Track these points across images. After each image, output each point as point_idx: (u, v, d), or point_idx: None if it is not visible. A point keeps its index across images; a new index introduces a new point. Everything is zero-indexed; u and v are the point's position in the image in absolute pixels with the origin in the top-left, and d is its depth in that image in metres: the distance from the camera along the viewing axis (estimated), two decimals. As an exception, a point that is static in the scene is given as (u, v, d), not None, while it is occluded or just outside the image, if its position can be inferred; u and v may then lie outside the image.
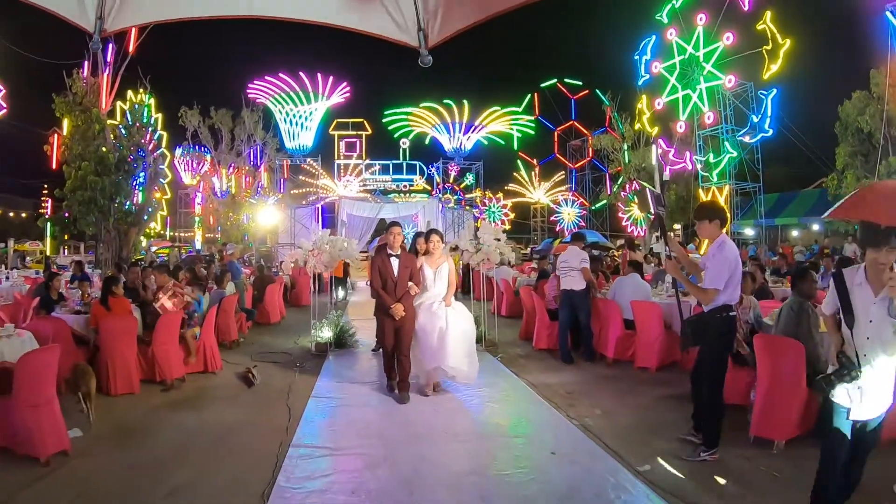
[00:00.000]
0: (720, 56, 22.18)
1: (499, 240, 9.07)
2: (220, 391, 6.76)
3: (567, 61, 49.72)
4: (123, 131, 21.94)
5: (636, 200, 28.39)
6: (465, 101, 35.91)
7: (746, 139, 22.59)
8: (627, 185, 29.34)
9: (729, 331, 4.69)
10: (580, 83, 37.79)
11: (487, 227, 9.35)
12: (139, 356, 6.77)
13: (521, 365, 7.93)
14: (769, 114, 21.81)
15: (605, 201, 34.30)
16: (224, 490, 4.05)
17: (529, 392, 6.59)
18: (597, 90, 34.40)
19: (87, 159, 20.15)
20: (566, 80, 38.09)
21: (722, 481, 4.08)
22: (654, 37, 25.21)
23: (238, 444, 4.97)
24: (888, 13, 17.81)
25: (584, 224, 37.80)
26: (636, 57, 26.07)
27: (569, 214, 37.92)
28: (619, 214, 30.99)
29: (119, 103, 22.86)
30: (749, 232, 27.10)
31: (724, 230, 4.94)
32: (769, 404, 4.73)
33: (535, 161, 38.83)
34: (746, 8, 20.98)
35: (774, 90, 21.70)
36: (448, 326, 6.42)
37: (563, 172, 39.47)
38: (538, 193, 39.25)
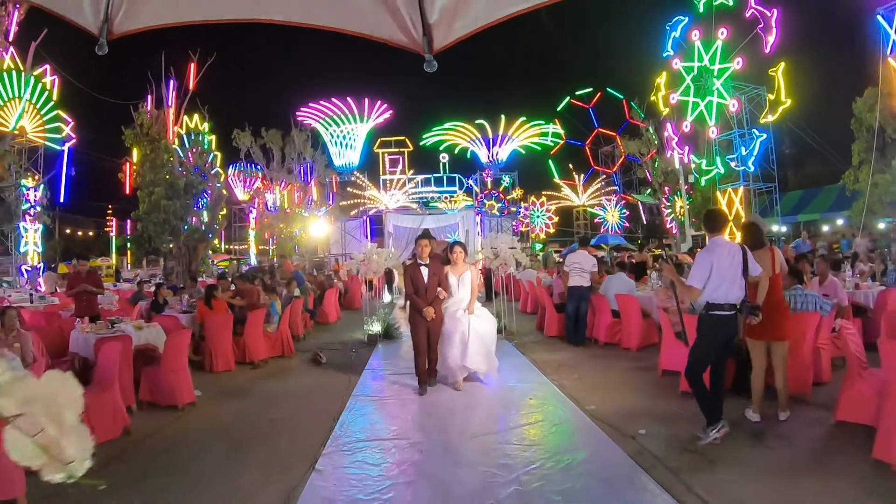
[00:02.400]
0: (727, 64, 23.55)
1: (513, 248, 11.03)
2: (296, 368, 8.92)
3: (584, 65, 50.68)
4: (181, 153, 24.49)
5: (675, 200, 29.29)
6: (502, 116, 37.38)
7: (733, 164, 23.97)
8: (666, 188, 30.51)
9: (710, 328, 5.15)
10: (590, 89, 37.37)
11: (504, 237, 11.31)
12: (234, 343, 8.96)
13: (530, 348, 9.84)
14: (755, 153, 23.37)
15: (649, 191, 34.90)
16: (308, 419, 6.16)
17: (529, 365, 8.53)
18: (608, 88, 35.15)
19: (158, 185, 22.77)
20: (577, 93, 37.70)
21: (646, 419, 5.79)
22: (687, 18, 25.66)
23: (313, 397, 7.09)
24: (879, 17, 18.97)
25: (628, 225, 38.62)
26: (667, 27, 26.53)
27: (613, 216, 38.62)
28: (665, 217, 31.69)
29: (176, 128, 25.25)
30: (776, 228, 28.07)
31: (722, 233, 5.35)
32: (691, 365, 6.55)
33: (577, 181, 39.53)
34: (767, 50, 22.21)
35: (764, 135, 23.31)
36: (469, 330, 7.29)
37: (604, 177, 39.84)
38: (582, 198, 39.97)
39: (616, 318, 9.68)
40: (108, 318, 8.49)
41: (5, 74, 16.98)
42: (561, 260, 18.94)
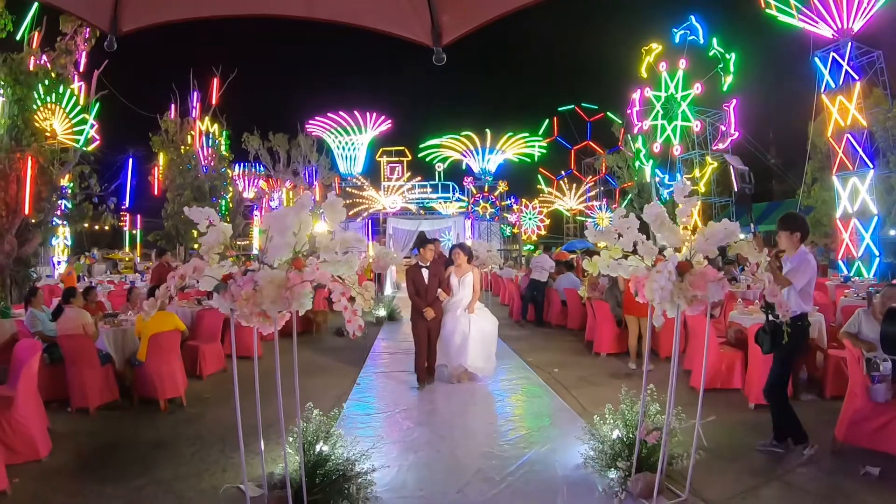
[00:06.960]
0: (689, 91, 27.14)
1: (490, 251, 14.29)
2: (326, 338, 12.13)
3: (580, 83, 53.59)
4: (201, 153, 27.54)
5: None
6: (487, 130, 39.94)
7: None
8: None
9: (801, 337, 4.94)
10: (595, 107, 40.93)
11: (483, 243, 14.54)
12: (279, 320, 12.10)
13: (500, 327, 12.98)
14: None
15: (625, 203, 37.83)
16: (345, 363, 9.41)
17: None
18: (608, 112, 38.22)
19: (187, 188, 25.95)
20: (583, 105, 41.41)
21: (561, 365, 9.04)
22: (702, 32, 29.10)
23: (345, 353, 10.27)
24: (816, 59, 22.06)
25: (619, 229, 40.83)
26: (690, 16, 29.84)
27: (604, 220, 39.87)
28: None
29: (191, 132, 27.97)
30: (742, 236, 31.28)
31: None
32: (598, 334, 9.79)
33: (553, 176, 42.13)
34: (722, 146, 26.48)
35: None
36: (470, 330, 7.68)
37: (596, 185, 42.40)
38: (571, 203, 42.10)
39: (564, 307, 12.89)
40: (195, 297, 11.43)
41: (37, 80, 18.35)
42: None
